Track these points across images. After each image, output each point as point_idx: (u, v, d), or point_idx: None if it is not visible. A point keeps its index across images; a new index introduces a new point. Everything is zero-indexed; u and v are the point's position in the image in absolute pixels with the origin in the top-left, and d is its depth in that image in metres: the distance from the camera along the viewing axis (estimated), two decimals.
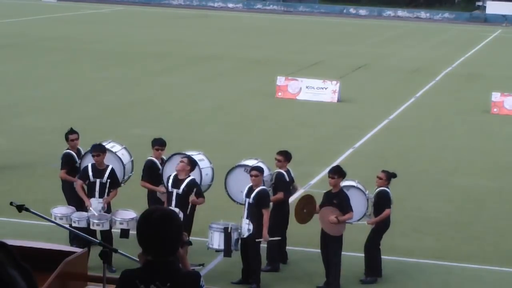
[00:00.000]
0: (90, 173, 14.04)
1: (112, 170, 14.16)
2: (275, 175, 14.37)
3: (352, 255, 14.35)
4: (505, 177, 21.43)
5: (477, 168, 22.33)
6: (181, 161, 13.78)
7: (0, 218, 15.72)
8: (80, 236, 12.19)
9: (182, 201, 13.52)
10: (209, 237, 13.44)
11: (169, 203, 13.58)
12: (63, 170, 14.81)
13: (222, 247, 13.33)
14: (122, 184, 15.06)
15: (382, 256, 13.94)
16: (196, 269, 12.47)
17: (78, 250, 8.31)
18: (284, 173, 14.33)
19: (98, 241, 10.45)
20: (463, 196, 19.59)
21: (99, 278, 7.77)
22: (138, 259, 5.35)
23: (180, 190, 13.56)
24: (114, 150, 15.00)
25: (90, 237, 10.59)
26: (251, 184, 13.49)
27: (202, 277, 5.23)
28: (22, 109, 27.11)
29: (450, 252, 15.65)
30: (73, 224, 13.49)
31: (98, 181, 14.00)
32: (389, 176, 14.03)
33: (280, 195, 14.19)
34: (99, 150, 14.15)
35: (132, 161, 15.21)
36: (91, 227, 13.57)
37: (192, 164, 13.85)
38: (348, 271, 13.94)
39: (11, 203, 7.75)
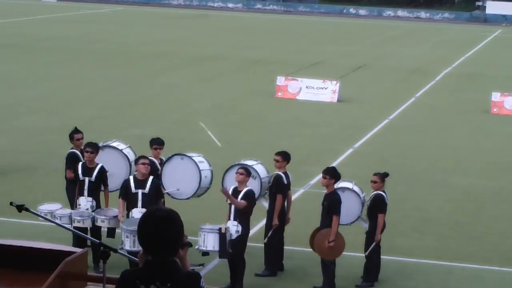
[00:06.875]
0: (80, 172, 13.87)
1: (102, 168, 13.97)
2: (273, 177, 14.14)
3: (351, 255, 14.32)
4: (505, 177, 21.42)
5: (477, 168, 22.32)
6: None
7: (0, 218, 15.71)
8: (79, 236, 12.16)
9: None
10: (201, 240, 13.07)
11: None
12: (69, 170, 14.55)
13: (217, 248, 13.04)
14: None
15: (382, 256, 13.91)
16: (196, 269, 12.46)
17: (78, 250, 8.30)
18: (283, 175, 14.08)
19: (99, 241, 10.43)
20: (463, 196, 19.59)
21: (99, 278, 7.76)
22: (138, 260, 5.35)
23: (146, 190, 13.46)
24: (120, 148, 14.91)
25: (91, 238, 10.57)
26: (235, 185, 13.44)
27: (202, 278, 5.23)
28: (22, 109, 27.09)
29: (450, 252, 15.65)
30: (56, 221, 13.15)
31: (87, 179, 13.82)
32: (383, 177, 13.80)
33: (279, 199, 13.96)
34: (93, 146, 14.04)
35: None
36: (73, 223, 13.39)
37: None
38: (348, 272, 13.93)
39: (11, 203, 7.74)
